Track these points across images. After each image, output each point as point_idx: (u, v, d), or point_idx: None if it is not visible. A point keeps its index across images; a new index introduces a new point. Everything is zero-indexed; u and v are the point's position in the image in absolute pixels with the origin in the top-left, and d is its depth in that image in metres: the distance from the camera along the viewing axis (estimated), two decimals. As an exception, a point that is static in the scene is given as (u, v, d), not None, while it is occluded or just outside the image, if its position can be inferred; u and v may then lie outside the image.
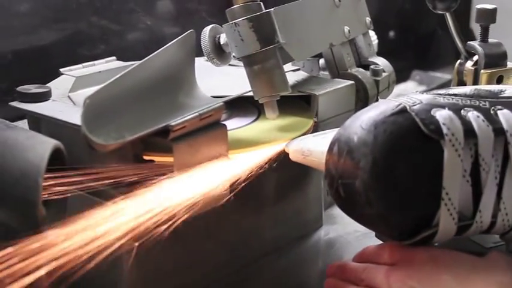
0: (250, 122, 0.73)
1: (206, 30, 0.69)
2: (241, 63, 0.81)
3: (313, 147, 0.64)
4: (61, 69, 0.77)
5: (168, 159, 0.61)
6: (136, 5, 0.94)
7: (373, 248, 0.62)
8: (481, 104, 0.57)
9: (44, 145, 0.57)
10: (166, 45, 0.64)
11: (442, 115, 0.55)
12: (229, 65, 0.81)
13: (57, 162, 0.58)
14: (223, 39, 0.68)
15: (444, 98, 0.57)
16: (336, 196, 0.57)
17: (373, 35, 0.90)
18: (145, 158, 0.62)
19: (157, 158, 0.62)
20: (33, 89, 0.68)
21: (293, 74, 0.80)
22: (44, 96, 0.68)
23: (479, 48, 0.70)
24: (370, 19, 0.86)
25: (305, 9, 0.75)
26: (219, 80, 0.77)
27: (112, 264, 0.63)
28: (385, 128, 0.54)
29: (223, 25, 0.68)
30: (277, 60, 0.68)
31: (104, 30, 0.91)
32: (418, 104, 0.56)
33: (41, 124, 0.66)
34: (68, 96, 0.71)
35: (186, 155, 0.60)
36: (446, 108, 0.55)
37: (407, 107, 0.55)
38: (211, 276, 0.69)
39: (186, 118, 0.59)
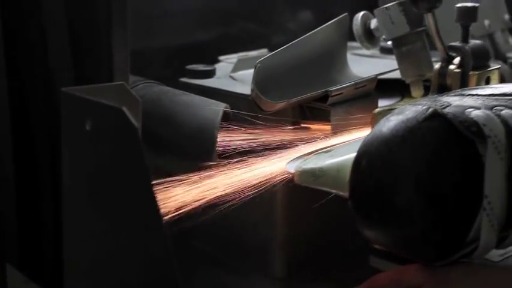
0: (395, 103, 0.78)
1: (358, 16, 0.75)
2: (382, 56, 0.88)
3: (325, 166, 0.57)
4: (219, 57, 0.86)
5: (323, 126, 0.67)
6: (283, 10, 1.02)
7: (388, 273, 0.55)
8: (508, 103, 0.51)
9: (217, 105, 0.64)
10: (323, 25, 0.70)
11: (480, 116, 0.48)
12: (370, 56, 0.87)
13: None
14: (373, 24, 0.74)
15: (470, 98, 0.51)
16: (365, 219, 0.50)
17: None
18: (302, 125, 0.68)
19: (313, 126, 0.68)
20: (201, 67, 0.76)
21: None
22: (210, 74, 0.76)
23: (467, 50, 0.64)
24: (509, 17, 0.90)
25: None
26: (364, 68, 0.83)
27: (266, 221, 0.69)
28: (422, 134, 0.48)
29: (374, 10, 0.73)
30: (424, 43, 0.73)
31: (252, 33, 1.00)
32: (448, 106, 0.49)
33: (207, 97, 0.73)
34: (229, 76, 0.78)
35: (341, 120, 0.65)
36: (483, 108, 0.49)
37: (438, 110, 0.49)
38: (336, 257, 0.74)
39: (343, 85, 0.65)
